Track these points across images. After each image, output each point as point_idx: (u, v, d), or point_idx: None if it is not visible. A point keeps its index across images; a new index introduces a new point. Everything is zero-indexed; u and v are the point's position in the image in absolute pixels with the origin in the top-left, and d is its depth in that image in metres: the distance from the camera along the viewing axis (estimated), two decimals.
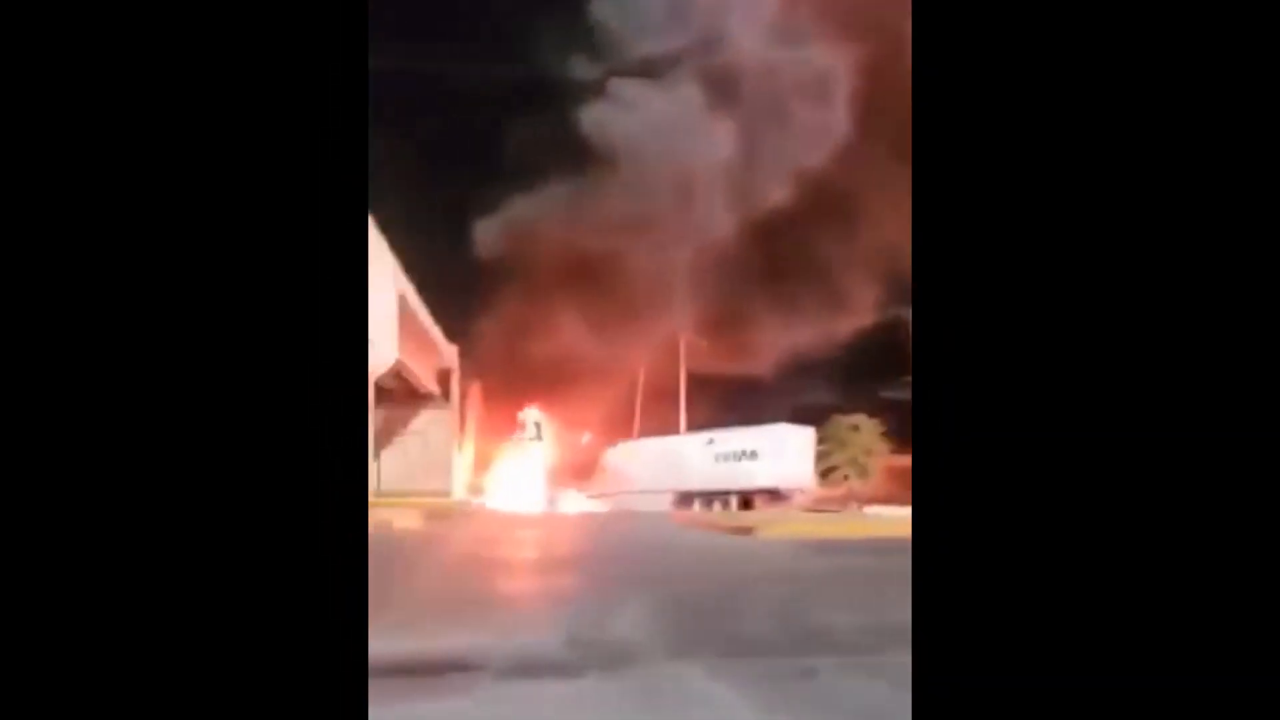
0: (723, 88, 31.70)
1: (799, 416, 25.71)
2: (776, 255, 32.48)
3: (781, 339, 31.87)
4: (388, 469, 22.51)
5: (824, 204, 30.28)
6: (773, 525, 15.35)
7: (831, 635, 4.30)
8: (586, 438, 30.27)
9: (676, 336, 30.59)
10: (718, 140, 31.30)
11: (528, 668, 3.46)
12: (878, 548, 10.84)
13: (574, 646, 3.86)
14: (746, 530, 13.91)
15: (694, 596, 5.82)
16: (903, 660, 3.71)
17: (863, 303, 30.04)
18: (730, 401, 29.76)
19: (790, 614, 4.97)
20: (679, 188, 31.55)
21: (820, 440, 26.49)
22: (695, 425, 28.34)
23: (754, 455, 23.88)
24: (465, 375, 26.94)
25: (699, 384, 31.02)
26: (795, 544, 11.84)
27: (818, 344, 31.03)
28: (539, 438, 28.98)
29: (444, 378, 24.97)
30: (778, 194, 30.92)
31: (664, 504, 24.12)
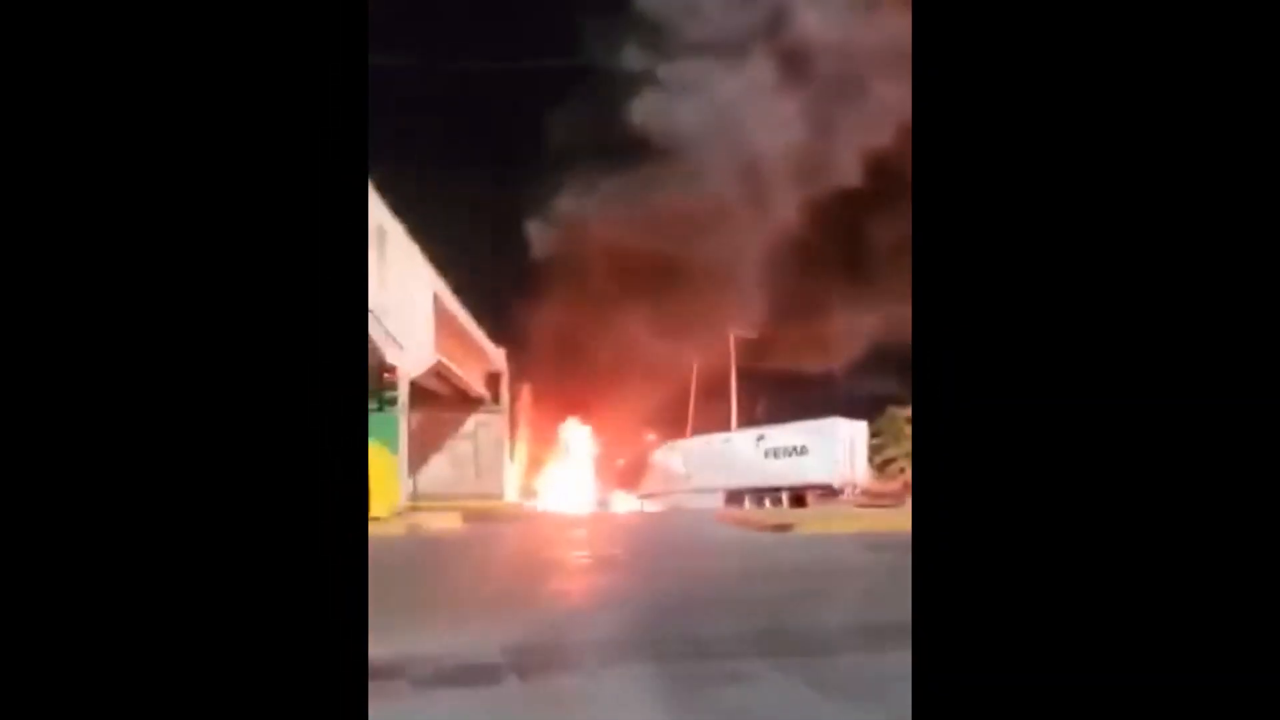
0: (791, 65, 30.61)
1: (856, 409, 25.15)
2: (839, 242, 31.58)
3: (839, 330, 31.09)
4: (437, 473, 22.83)
5: (891, 186, 29.11)
6: (811, 522, 15.07)
7: (794, 637, 4.10)
8: (651, 438, 30.03)
9: (727, 332, 30.12)
10: (785, 122, 30.20)
11: (455, 675, 3.37)
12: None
13: (507, 652, 3.75)
14: (785, 527, 13.69)
15: (681, 597, 5.66)
16: (862, 661, 3.52)
17: (900, 292, 28.99)
18: (789, 395, 29.25)
19: (768, 614, 4.78)
20: (741, 175, 30.70)
21: (876, 433, 25.83)
22: (755, 420, 27.84)
23: (804, 451, 23.41)
24: (515, 378, 27.12)
25: (756, 379, 30.58)
26: (827, 540, 11.56)
27: (876, 335, 30.17)
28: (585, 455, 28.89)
29: (493, 381, 25.17)
30: (846, 177, 29.89)
31: (716, 502, 23.86)
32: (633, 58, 31.61)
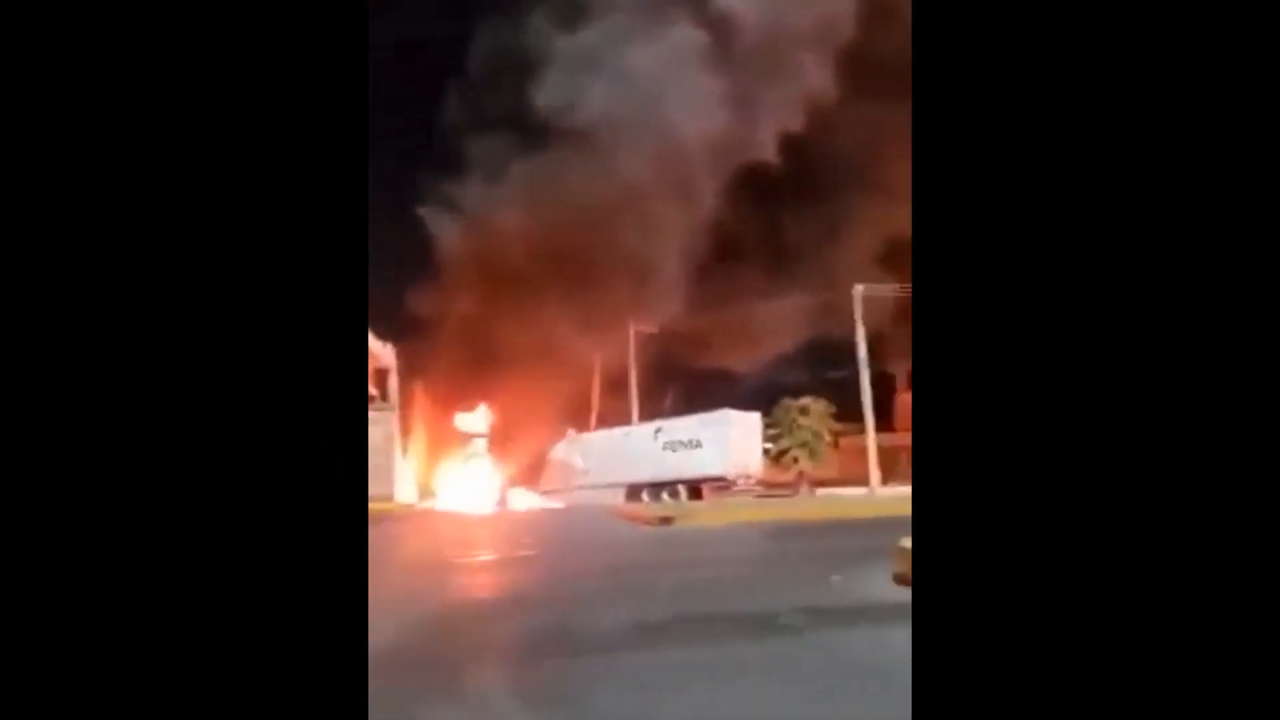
0: (713, 40, 29.88)
1: (761, 402, 25.34)
2: (754, 231, 31.48)
3: (747, 323, 31.15)
4: None
5: (811, 173, 28.76)
6: (700, 514, 15.19)
7: (578, 639, 3.87)
8: (572, 432, 29.50)
9: (627, 325, 29.93)
10: (704, 102, 29.42)
11: None
12: (785, 531, 10.51)
13: None
14: (667, 521, 13.70)
15: (481, 604, 5.40)
16: (615, 661, 3.30)
17: (816, 282, 29.12)
18: (696, 388, 29.26)
19: (565, 615, 4.55)
20: (654, 158, 30.04)
21: (770, 424, 26.11)
22: (661, 414, 27.65)
23: (698, 444, 23.48)
24: (407, 375, 26.36)
25: (661, 372, 30.49)
26: (699, 533, 11.56)
27: (786, 327, 30.33)
28: (483, 453, 28.03)
29: (380, 378, 24.41)
30: (764, 159, 29.53)
31: (617, 497, 23.70)
32: (540, 32, 30.58)
